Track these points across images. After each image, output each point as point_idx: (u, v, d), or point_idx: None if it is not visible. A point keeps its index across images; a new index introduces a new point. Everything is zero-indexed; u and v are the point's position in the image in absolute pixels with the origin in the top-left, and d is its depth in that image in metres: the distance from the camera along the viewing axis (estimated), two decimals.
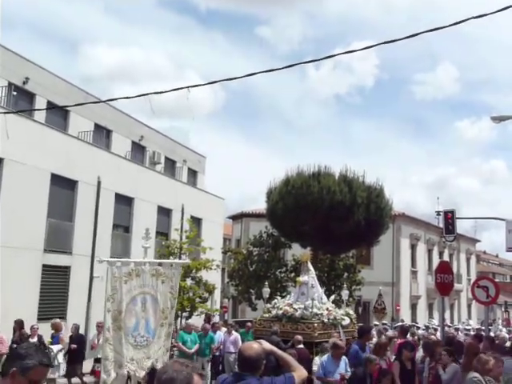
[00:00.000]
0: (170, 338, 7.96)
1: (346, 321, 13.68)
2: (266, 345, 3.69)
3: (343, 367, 9.13)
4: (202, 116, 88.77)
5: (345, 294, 18.54)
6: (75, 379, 13.39)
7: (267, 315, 14.03)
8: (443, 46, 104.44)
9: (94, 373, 13.28)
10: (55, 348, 12.58)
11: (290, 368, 3.76)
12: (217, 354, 15.46)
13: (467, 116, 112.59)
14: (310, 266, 15.15)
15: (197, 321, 18.25)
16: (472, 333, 20.49)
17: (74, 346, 13.12)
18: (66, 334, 13.72)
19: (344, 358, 9.30)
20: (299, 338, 11.47)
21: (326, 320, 13.17)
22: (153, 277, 7.65)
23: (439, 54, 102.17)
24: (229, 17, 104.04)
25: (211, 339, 14.92)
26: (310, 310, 13.24)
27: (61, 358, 12.86)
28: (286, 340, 12.41)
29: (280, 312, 13.54)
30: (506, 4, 7.05)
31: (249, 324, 16.76)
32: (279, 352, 3.83)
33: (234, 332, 15.34)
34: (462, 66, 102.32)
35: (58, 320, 13.62)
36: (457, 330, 22.38)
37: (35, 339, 12.45)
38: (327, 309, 13.60)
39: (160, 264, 8.24)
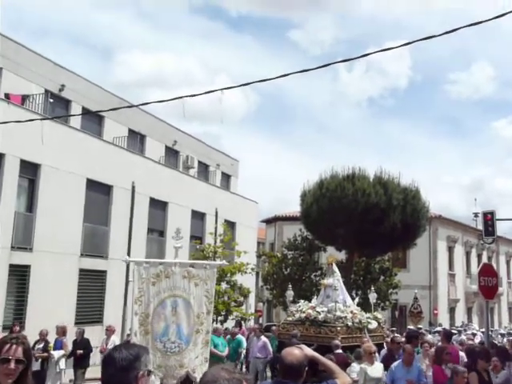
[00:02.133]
0: (208, 346, 7.34)
1: (373, 324, 13.40)
2: (308, 350, 3.56)
3: (415, 375, 8.55)
4: (234, 120, 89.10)
5: (372, 296, 18.15)
6: None
7: (291, 318, 13.89)
8: (478, 44, 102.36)
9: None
10: (56, 354, 11.99)
11: (332, 374, 3.61)
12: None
13: (503, 115, 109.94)
14: (335, 268, 14.92)
15: (231, 325, 18.24)
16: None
17: (80, 351, 12.53)
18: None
19: (419, 365, 8.81)
20: (337, 342, 11.16)
21: (350, 323, 12.90)
22: (184, 279, 7.16)
23: (474, 52, 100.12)
24: (260, 21, 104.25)
25: (238, 343, 14.77)
26: (334, 313, 13.01)
27: (63, 364, 12.30)
28: (309, 344, 12.13)
29: (303, 315, 13.36)
30: None
31: (274, 328, 16.53)
32: (321, 358, 3.68)
33: (262, 337, 14.90)
34: (497, 65, 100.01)
35: (63, 324, 12.89)
36: (502, 335, 21.72)
37: (42, 344, 11.97)
38: (352, 312, 13.35)
39: (192, 265, 7.69)
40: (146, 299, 7.03)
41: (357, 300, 15.23)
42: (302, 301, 15.17)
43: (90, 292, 19.02)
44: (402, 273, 28.10)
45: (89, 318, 18.18)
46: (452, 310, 36.60)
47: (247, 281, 22.41)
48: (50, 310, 15.80)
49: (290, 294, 20.30)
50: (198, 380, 7.05)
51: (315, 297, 15.50)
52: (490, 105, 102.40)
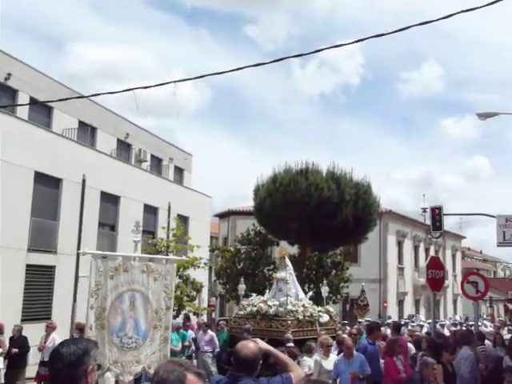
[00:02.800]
0: (167, 342, 7.11)
1: (325, 318, 13.44)
2: (262, 344, 3.54)
3: (357, 366, 8.79)
4: (188, 114, 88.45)
5: (324, 290, 18.30)
6: None
7: (242, 312, 13.83)
8: (428, 44, 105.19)
9: (39, 377, 12.08)
10: None
11: (286, 368, 3.61)
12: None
13: (451, 114, 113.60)
14: (287, 261, 14.94)
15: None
16: (455, 328, 20.60)
17: (15, 350, 11.93)
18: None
19: (361, 356, 8.99)
20: (289, 335, 11.17)
21: (301, 317, 12.93)
22: (143, 273, 6.96)
23: (424, 52, 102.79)
24: (215, 15, 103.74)
25: (183, 337, 14.84)
26: (285, 306, 12.99)
27: (1, 363, 11.80)
28: (260, 338, 12.13)
29: (254, 309, 13.31)
30: None
31: (222, 323, 16.52)
32: (275, 351, 3.68)
33: (209, 331, 15.03)
34: (446, 65, 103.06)
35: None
36: (442, 326, 22.44)
37: None
38: (303, 305, 13.35)
39: (151, 260, 7.49)
40: (103, 293, 6.79)
41: (309, 294, 15.24)
42: (254, 295, 15.13)
43: (38, 288, 18.48)
44: (354, 267, 28.58)
45: (36, 315, 17.65)
46: (401, 303, 37.57)
47: (200, 275, 22.29)
48: None
49: (242, 287, 20.15)
50: None
51: (268, 291, 15.51)
52: (438, 103, 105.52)
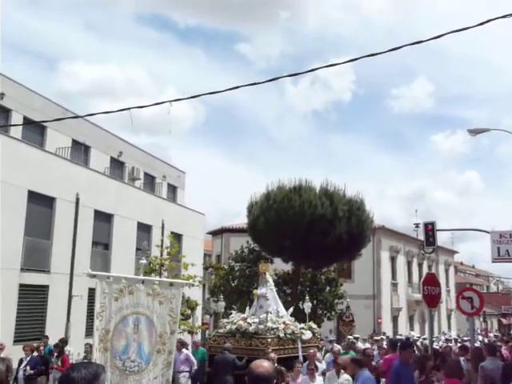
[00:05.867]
0: (170, 367, 7.07)
1: (307, 335, 13.18)
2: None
3: None
4: (182, 132, 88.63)
5: (307, 306, 17.95)
6: None
7: (222, 330, 13.48)
8: (419, 61, 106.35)
9: None
10: None
11: None
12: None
13: (442, 130, 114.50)
14: (268, 277, 14.62)
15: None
16: (451, 343, 20.59)
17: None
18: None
19: (365, 376, 8.34)
20: (272, 355, 10.76)
21: (282, 335, 12.63)
22: (148, 296, 6.93)
23: (415, 69, 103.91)
24: (208, 33, 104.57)
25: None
26: (265, 324, 12.70)
27: None
28: (240, 357, 11.86)
29: (234, 327, 13.01)
30: (483, 19, 7.15)
31: (196, 340, 16.24)
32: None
33: (184, 350, 14.40)
34: (437, 82, 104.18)
35: None
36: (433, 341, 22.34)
37: None
38: (284, 323, 13.07)
39: (156, 282, 7.46)
40: (107, 314, 6.73)
41: (290, 310, 14.94)
42: (234, 312, 14.86)
43: (31, 308, 18.32)
44: (347, 283, 28.60)
45: (29, 335, 17.48)
46: (395, 319, 37.50)
47: (194, 293, 22.20)
48: None
49: (221, 305, 19.71)
50: None
51: (248, 308, 15.08)
52: (429, 119, 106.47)
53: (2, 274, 16.89)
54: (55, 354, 13.62)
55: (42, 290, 18.83)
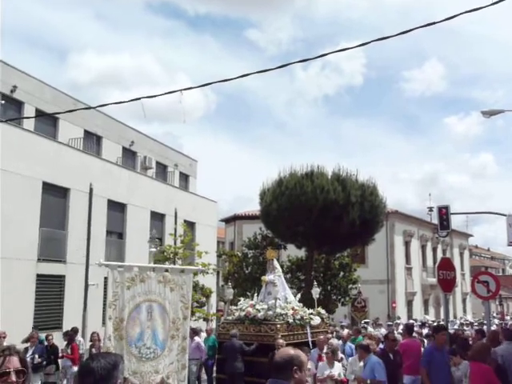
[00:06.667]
0: (185, 352, 7.15)
1: (316, 320, 13.19)
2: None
3: (367, 371, 8.30)
4: (193, 120, 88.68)
5: (315, 291, 17.89)
6: None
7: (230, 317, 13.53)
8: (431, 43, 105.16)
9: None
10: None
11: None
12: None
13: (455, 112, 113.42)
14: (276, 263, 14.64)
15: (194, 325, 18.14)
16: (467, 328, 20.56)
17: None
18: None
19: (373, 361, 8.39)
20: (280, 341, 10.79)
21: (291, 320, 12.65)
22: (160, 283, 7.02)
23: (427, 51, 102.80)
24: (218, 20, 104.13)
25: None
26: (274, 310, 12.71)
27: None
28: (249, 343, 11.97)
29: (242, 314, 13.04)
30: None
31: (207, 328, 16.39)
32: None
33: (195, 338, 14.64)
34: (449, 63, 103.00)
35: None
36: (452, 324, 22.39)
37: None
38: (293, 308, 13.08)
39: (167, 270, 7.49)
40: (120, 303, 6.82)
41: (298, 296, 14.96)
42: (243, 299, 14.93)
43: (49, 297, 18.59)
44: (361, 268, 28.58)
45: (48, 324, 17.76)
46: (409, 303, 37.48)
47: (208, 281, 22.36)
48: (4, 316, 15.33)
49: (229, 292, 19.86)
50: None
51: (256, 294, 15.11)
52: (442, 102, 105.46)
53: (20, 264, 17.14)
54: (65, 343, 13.80)
55: (59, 279, 19.08)
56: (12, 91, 20.86)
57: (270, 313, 12.68)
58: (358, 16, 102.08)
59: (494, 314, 36.27)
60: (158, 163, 29.97)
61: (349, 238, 22.16)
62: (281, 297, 13.53)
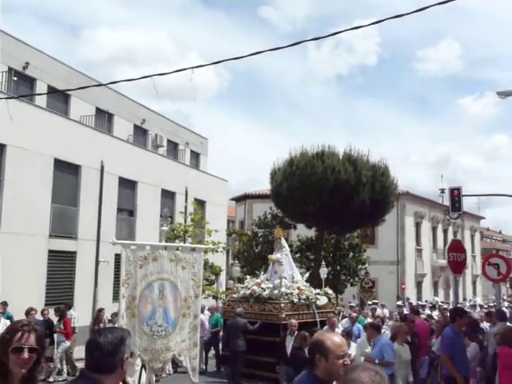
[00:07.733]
0: (197, 331, 7.25)
1: (322, 301, 13.16)
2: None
3: (376, 351, 8.13)
4: (205, 98, 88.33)
5: (323, 271, 17.80)
6: None
7: (236, 296, 13.59)
8: (447, 22, 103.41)
9: None
10: None
11: None
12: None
13: (470, 93, 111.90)
14: (283, 242, 14.56)
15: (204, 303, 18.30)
16: (477, 310, 20.54)
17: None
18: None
19: (383, 341, 8.25)
20: (294, 322, 10.75)
21: (296, 300, 12.63)
22: (172, 262, 7.05)
23: (442, 30, 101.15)
24: None
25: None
26: (279, 289, 12.67)
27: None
28: (253, 322, 11.97)
29: (248, 292, 13.08)
30: None
31: (212, 306, 16.42)
32: None
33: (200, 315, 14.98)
34: (465, 43, 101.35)
35: None
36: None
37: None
38: (298, 288, 13.06)
39: (178, 249, 7.54)
40: (133, 282, 6.89)
41: (306, 276, 14.91)
42: (249, 277, 14.91)
43: (60, 273, 18.80)
44: (371, 249, 28.59)
45: (59, 300, 17.99)
46: (419, 285, 37.50)
47: (218, 259, 22.48)
48: (16, 291, 15.55)
49: (236, 270, 19.87)
50: (183, 363, 7.10)
51: (262, 272, 15.14)
52: (456, 82, 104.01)
53: (32, 240, 17.32)
54: (57, 318, 13.98)
55: (70, 255, 19.27)
56: (24, 68, 20.86)
57: (275, 292, 12.69)
58: None
59: (505, 297, 36.21)
60: (169, 141, 29.96)
61: (359, 219, 22.17)
62: (287, 276, 13.48)
